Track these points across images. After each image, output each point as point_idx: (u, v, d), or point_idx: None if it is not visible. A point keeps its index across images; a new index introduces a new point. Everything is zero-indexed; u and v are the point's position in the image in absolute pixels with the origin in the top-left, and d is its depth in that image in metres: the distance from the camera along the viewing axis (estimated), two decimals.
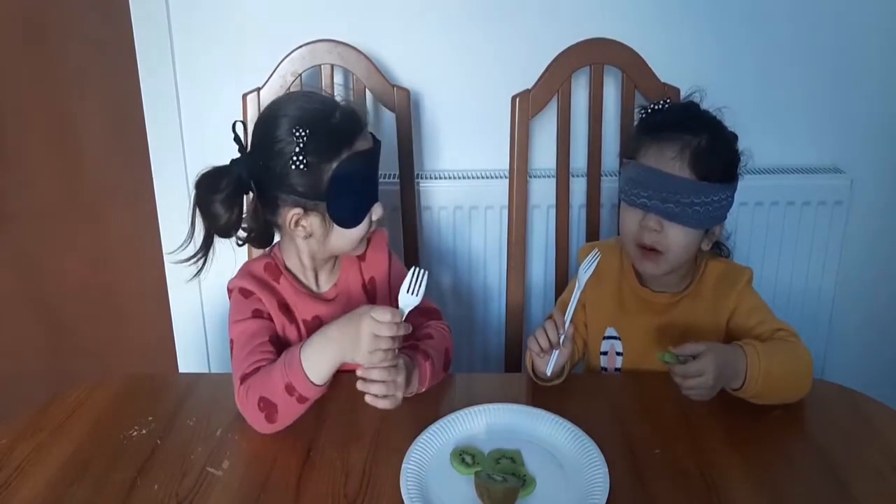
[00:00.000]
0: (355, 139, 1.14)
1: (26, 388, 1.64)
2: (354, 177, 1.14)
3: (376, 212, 1.19)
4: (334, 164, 1.12)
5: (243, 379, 1.09)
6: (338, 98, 1.24)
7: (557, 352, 1.11)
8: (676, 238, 1.17)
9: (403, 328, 1.04)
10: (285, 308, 1.21)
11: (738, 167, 1.20)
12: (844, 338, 1.90)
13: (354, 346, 1.03)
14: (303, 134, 1.12)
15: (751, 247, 1.77)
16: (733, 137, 1.21)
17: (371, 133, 1.18)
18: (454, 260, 1.78)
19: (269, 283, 1.21)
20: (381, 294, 1.28)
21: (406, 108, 1.58)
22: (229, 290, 1.22)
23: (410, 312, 1.08)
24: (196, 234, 1.17)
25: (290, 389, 1.04)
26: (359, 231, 1.18)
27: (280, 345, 1.19)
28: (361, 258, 1.27)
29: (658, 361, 1.06)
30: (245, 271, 1.23)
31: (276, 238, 1.25)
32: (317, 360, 1.05)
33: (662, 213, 1.16)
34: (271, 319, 1.19)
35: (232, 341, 1.17)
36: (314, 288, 1.25)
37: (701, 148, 1.14)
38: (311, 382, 1.04)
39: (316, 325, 1.22)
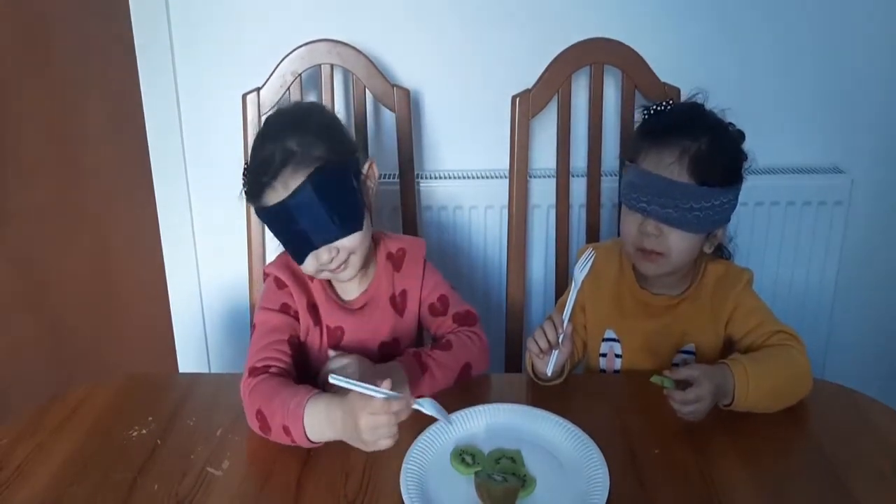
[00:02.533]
0: (260, 193, 1.11)
1: (26, 388, 1.63)
2: (269, 226, 1.16)
3: (322, 256, 1.12)
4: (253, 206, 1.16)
5: (251, 372, 1.09)
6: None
7: (557, 352, 1.11)
8: (676, 242, 1.16)
9: (405, 412, 0.96)
10: (314, 309, 1.20)
11: (742, 168, 1.18)
12: (844, 337, 1.90)
13: (356, 439, 0.97)
14: (245, 166, 1.16)
15: (750, 247, 1.77)
16: (738, 137, 1.19)
17: (315, 169, 1.08)
18: (454, 260, 1.78)
19: (304, 280, 1.20)
20: (410, 308, 1.26)
21: (406, 108, 1.58)
22: (265, 274, 1.23)
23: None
24: None
25: (286, 431, 1.01)
26: (306, 270, 1.16)
27: (299, 347, 1.18)
28: (396, 268, 1.25)
29: (654, 372, 1.06)
30: (284, 262, 1.22)
31: None
32: (317, 426, 1.01)
33: (661, 218, 1.15)
34: (297, 317, 1.19)
35: (254, 326, 1.17)
36: (343, 294, 1.24)
37: (701, 152, 1.13)
38: (307, 437, 1.01)
39: (338, 335, 1.22)
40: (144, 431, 1.07)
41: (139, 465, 1.01)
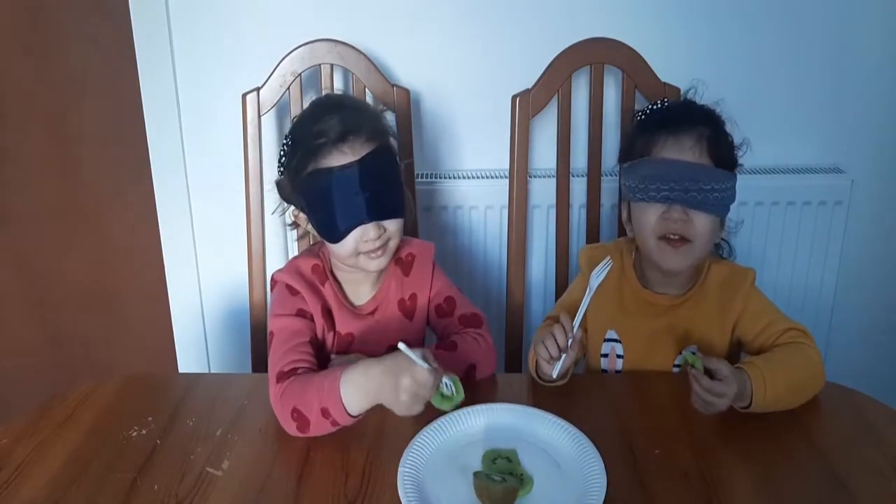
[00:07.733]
0: (325, 154, 1.11)
1: (26, 388, 1.64)
2: (323, 192, 1.12)
3: (368, 233, 1.13)
4: (303, 176, 1.13)
5: (279, 377, 1.08)
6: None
7: (565, 356, 1.11)
8: (701, 226, 1.19)
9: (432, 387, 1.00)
10: (328, 314, 1.20)
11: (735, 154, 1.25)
12: (845, 338, 1.90)
13: (393, 397, 0.99)
14: (286, 141, 1.15)
15: (751, 247, 1.77)
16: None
17: (378, 146, 1.13)
18: (455, 260, 1.78)
19: (316, 285, 1.20)
20: (419, 312, 1.25)
21: (406, 108, 1.58)
22: (273, 282, 1.22)
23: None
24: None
25: (325, 413, 1.02)
26: (343, 248, 1.15)
27: (319, 347, 1.18)
28: (406, 273, 1.25)
29: (657, 372, 1.07)
30: (294, 268, 1.21)
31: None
32: (354, 394, 1.01)
33: (686, 202, 1.17)
34: (313, 320, 1.18)
35: (272, 334, 1.16)
36: (354, 299, 1.24)
37: (714, 136, 1.20)
38: (347, 412, 1.02)
39: (348, 341, 1.22)
40: (144, 431, 1.07)
41: (139, 465, 1.01)
